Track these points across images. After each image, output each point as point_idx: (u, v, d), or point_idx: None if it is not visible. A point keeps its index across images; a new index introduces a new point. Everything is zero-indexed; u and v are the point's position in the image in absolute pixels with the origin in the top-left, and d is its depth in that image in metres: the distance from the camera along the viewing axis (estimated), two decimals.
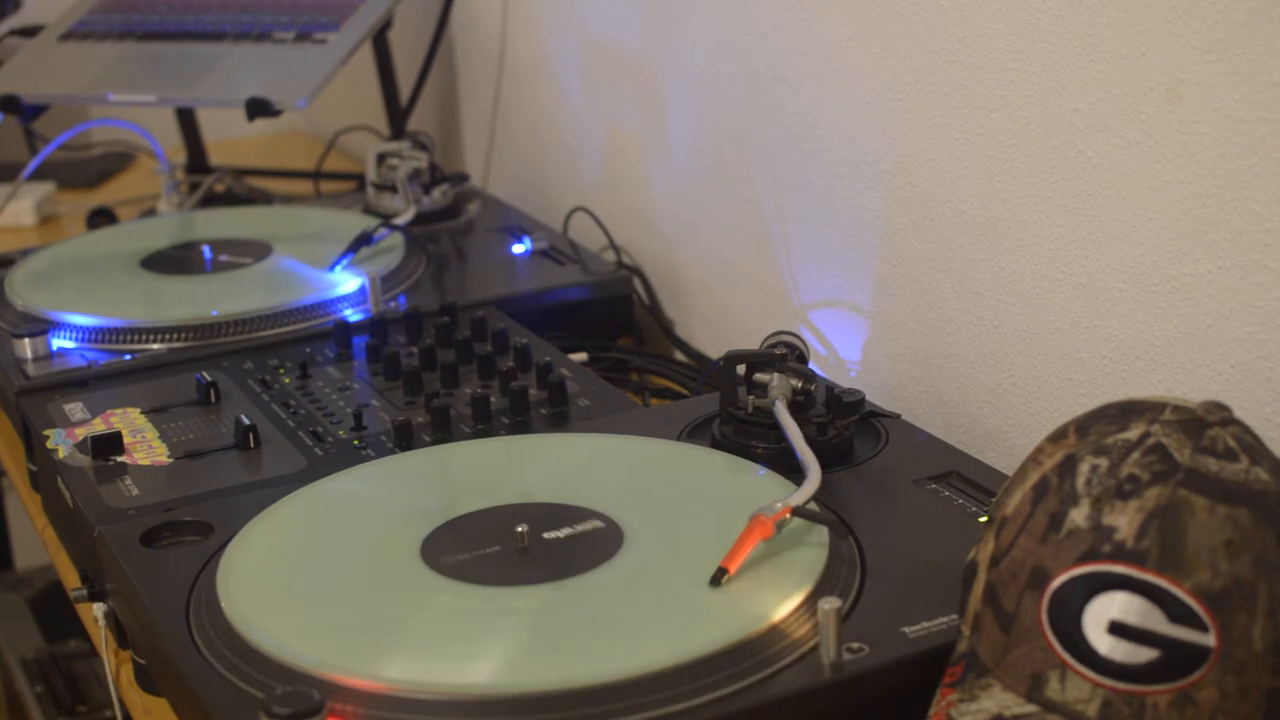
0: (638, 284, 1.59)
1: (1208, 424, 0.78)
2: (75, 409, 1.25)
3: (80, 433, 1.20)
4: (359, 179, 1.91)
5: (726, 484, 1.05)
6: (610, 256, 1.61)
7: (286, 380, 1.30)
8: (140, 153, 2.16)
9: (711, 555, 0.91)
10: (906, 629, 0.87)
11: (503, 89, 1.91)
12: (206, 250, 1.56)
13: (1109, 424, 0.80)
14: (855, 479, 1.07)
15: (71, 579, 1.15)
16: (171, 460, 1.16)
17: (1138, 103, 1.00)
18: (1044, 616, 0.78)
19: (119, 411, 1.24)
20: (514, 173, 1.91)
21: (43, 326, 1.39)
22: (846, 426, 1.10)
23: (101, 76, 1.75)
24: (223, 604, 0.92)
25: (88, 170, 2.14)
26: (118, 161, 2.20)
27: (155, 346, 1.37)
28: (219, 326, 1.39)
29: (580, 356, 1.38)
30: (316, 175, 1.97)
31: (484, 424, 1.20)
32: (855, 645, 0.85)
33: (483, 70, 1.95)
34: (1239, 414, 0.80)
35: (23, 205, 1.95)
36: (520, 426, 1.20)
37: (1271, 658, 0.75)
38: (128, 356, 1.35)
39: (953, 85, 1.15)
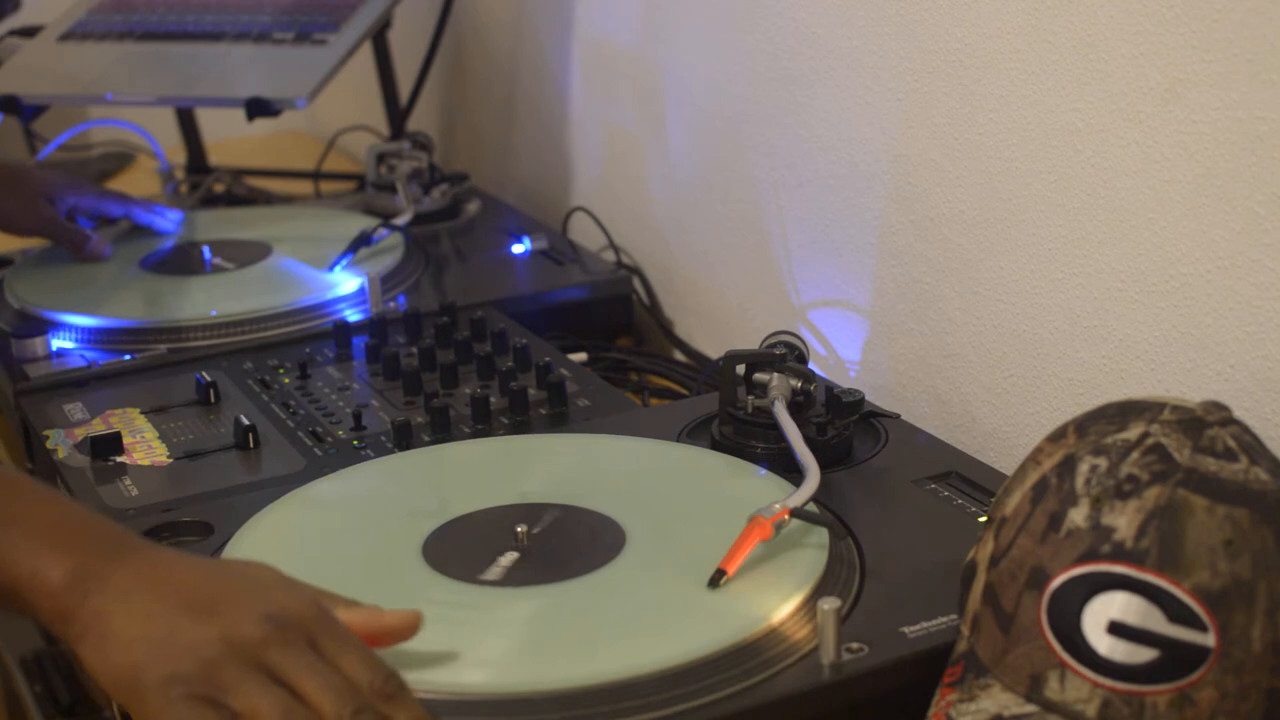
0: (637, 284, 1.59)
1: (1207, 424, 0.78)
2: (75, 409, 1.25)
3: (80, 433, 1.20)
4: (359, 179, 1.91)
5: (726, 484, 1.05)
6: (610, 256, 1.61)
7: (286, 380, 1.30)
8: (140, 153, 2.16)
9: (711, 556, 0.91)
10: (906, 629, 0.87)
11: (502, 89, 1.91)
12: (206, 251, 1.56)
13: (1108, 424, 0.80)
14: (855, 479, 1.07)
15: None
16: (171, 460, 1.16)
17: (1138, 103, 1.00)
18: (1043, 616, 0.78)
19: (119, 412, 1.24)
20: (513, 173, 1.91)
21: (42, 327, 1.39)
22: (846, 426, 1.10)
23: (101, 76, 1.75)
24: None
25: (87, 170, 2.14)
26: (117, 161, 2.20)
27: (155, 347, 1.37)
28: (219, 326, 1.39)
29: (580, 356, 1.38)
30: (316, 175, 1.97)
31: (483, 424, 1.20)
32: (855, 645, 0.85)
33: (482, 70, 1.96)
34: (1239, 414, 0.80)
35: None
36: (520, 426, 1.20)
37: (1271, 657, 0.75)
38: (127, 356, 1.35)
39: (953, 85, 1.15)
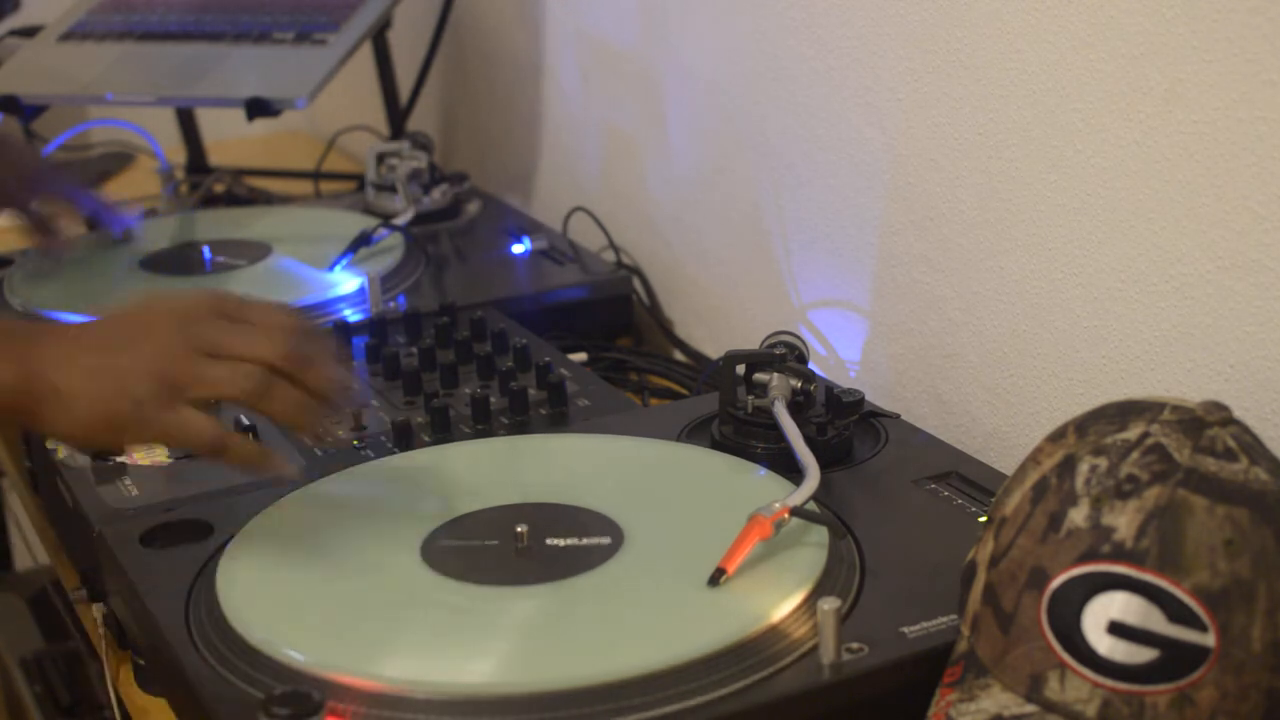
0: (637, 284, 1.59)
1: (1207, 424, 0.78)
2: None
3: None
4: (359, 179, 1.91)
5: (726, 484, 1.05)
6: (610, 256, 1.61)
7: None
8: (140, 153, 2.15)
9: (711, 555, 0.91)
10: (906, 629, 0.87)
11: (502, 89, 1.91)
12: (206, 251, 1.56)
13: (1108, 424, 0.80)
14: (854, 479, 1.07)
15: (71, 579, 1.15)
16: (171, 460, 1.16)
17: (1137, 103, 1.00)
18: (1043, 616, 0.78)
19: None
20: (514, 173, 1.91)
21: None
22: (846, 426, 1.10)
23: (101, 76, 1.75)
24: (222, 604, 0.92)
25: (88, 170, 2.13)
26: (117, 161, 2.20)
27: None
28: None
29: (580, 356, 1.38)
30: (316, 175, 1.97)
31: (483, 424, 1.20)
32: (855, 645, 0.85)
33: (483, 70, 1.95)
34: (1239, 414, 0.80)
35: None
36: (520, 426, 1.20)
37: (1271, 657, 0.75)
38: None
39: (953, 85, 1.15)
